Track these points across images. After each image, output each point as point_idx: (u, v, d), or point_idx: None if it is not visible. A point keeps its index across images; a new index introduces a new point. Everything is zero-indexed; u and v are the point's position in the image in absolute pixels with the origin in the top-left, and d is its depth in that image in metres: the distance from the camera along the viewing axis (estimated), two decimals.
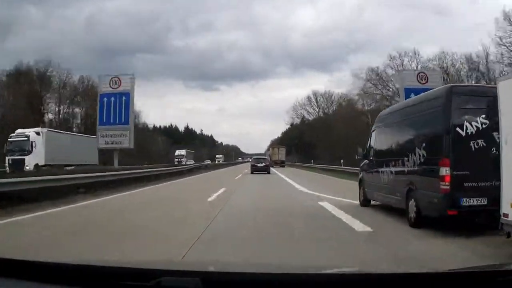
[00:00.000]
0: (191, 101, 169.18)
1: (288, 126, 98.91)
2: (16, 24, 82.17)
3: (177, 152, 62.70)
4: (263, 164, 28.52)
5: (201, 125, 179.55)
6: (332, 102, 67.63)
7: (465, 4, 74.87)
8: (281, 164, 51.41)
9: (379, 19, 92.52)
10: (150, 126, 71.32)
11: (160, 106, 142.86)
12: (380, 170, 8.55)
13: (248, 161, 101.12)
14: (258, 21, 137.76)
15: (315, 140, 60.10)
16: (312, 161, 47.75)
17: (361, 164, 10.29)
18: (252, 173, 27.17)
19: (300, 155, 70.12)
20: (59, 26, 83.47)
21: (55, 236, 5.87)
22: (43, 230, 6.38)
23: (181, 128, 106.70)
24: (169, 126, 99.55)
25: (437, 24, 75.56)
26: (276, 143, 79.58)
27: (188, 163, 48.39)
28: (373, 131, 9.66)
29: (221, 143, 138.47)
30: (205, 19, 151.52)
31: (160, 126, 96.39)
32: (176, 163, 49.12)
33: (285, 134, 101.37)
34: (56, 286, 1.49)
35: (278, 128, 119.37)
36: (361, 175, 10.03)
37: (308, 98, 72.32)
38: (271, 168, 32.46)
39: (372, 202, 9.28)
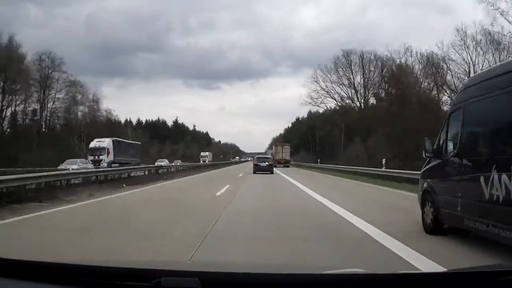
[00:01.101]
0: (191, 100, 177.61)
1: (292, 122, 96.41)
2: (15, 21, 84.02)
3: (94, 144, 36.24)
4: (266, 163, 29.32)
5: (202, 125, 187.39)
6: (375, 70, 47.37)
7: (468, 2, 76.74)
8: (285, 164, 49.01)
9: (381, 18, 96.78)
10: (118, 118, 65.14)
11: (159, 105, 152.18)
12: (480, 176, 5.14)
13: (247, 161, 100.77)
14: (259, 20, 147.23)
15: (335, 134, 50.85)
16: (318, 160, 43.38)
17: (426, 167, 6.97)
18: (254, 173, 27.61)
19: (308, 154, 65.73)
20: (59, 24, 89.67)
21: None
22: None
23: (171, 123, 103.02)
24: (156, 120, 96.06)
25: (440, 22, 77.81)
26: (279, 141, 76.27)
27: (103, 164, 32.26)
28: (455, 111, 6.26)
29: (219, 141, 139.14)
30: (206, 18, 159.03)
31: (147, 120, 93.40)
32: (90, 163, 32.10)
33: (288, 131, 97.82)
34: (56, 286, 1.58)
35: (279, 128, 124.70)
36: (425, 184, 6.78)
37: (335, 62, 49.28)
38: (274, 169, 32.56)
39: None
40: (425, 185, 6.75)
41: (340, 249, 5.43)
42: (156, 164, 37.58)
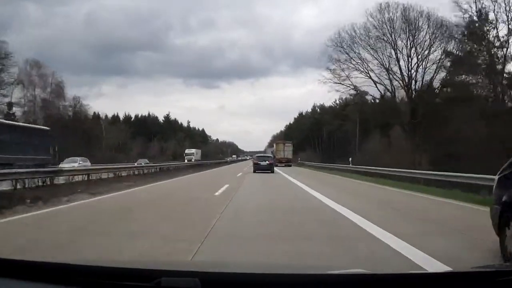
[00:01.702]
0: (190, 99, 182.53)
1: (295, 117, 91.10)
2: (14, 20, 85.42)
3: None
4: (267, 162, 29.16)
5: (200, 123, 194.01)
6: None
7: None
8: (287, 163, 46.60)
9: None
10: (87, 109, 54.97)
11: (159, 104, 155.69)
12: None
13: (245, 160, 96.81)
14: (259, 19, 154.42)
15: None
16: (350, 160, 35.68)
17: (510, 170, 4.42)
18: (254, 172, 27.30)
19: (315, 152, 60.31)
20: (58, 23, 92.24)
21: None
22: None
23: (162, 119, 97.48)
24: (147, 115, 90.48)
25: None
26: (281, 138, 73.10)
27: None
28: None
29: (217, 139, 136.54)
30: (206, 17, 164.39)
31: (136, 115, 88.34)
32: None
33: (290, 128, 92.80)
34: (56, 286, 1.60)
35: (279, 126, 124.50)
36: (506, 196, 4.36)
37: (366, 22, 35.96)
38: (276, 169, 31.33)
39: None
40: (505, 197, 4.39)
41: None
42: (60, 166, 23.07)
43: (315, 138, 65.63)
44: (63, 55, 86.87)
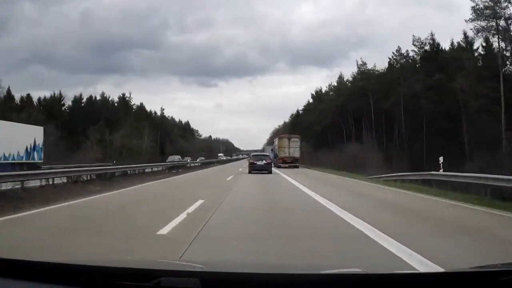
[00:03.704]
0: (187, 97, 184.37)
1: (311, 94, 69.76)
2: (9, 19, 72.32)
3: None
4: (264, 162, 28.17)
5: (198, 123, 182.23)
6: None
7: None
8: (293, 163, 39.63)
9: (381, 13, 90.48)
10: None
11: (156, 102, 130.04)
12: None
13: (238, 159, 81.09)
14: (257, 16, 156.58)
15: None
16: None
17: None
18: (250, 172, 26.75)
19: (342, 154, 38.64)
20: (54, 22, 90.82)
21: None
22: None
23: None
24: (98, 97, 68.06)
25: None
26: (286, 132, 56.24)
27: None
28: None
29: (210, 136, 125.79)
30: (203, 14, 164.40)
31: (81, 96, 66.66)
32: None
33: (304, 112, 71.75)
34: (56, 286, 1.65)
35: (276, 125, 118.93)
36: None
37: None
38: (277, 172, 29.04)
39: None
40: None
41: None
42: None
43: (351, 126, 42.85)
44: (59, 53, 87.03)
